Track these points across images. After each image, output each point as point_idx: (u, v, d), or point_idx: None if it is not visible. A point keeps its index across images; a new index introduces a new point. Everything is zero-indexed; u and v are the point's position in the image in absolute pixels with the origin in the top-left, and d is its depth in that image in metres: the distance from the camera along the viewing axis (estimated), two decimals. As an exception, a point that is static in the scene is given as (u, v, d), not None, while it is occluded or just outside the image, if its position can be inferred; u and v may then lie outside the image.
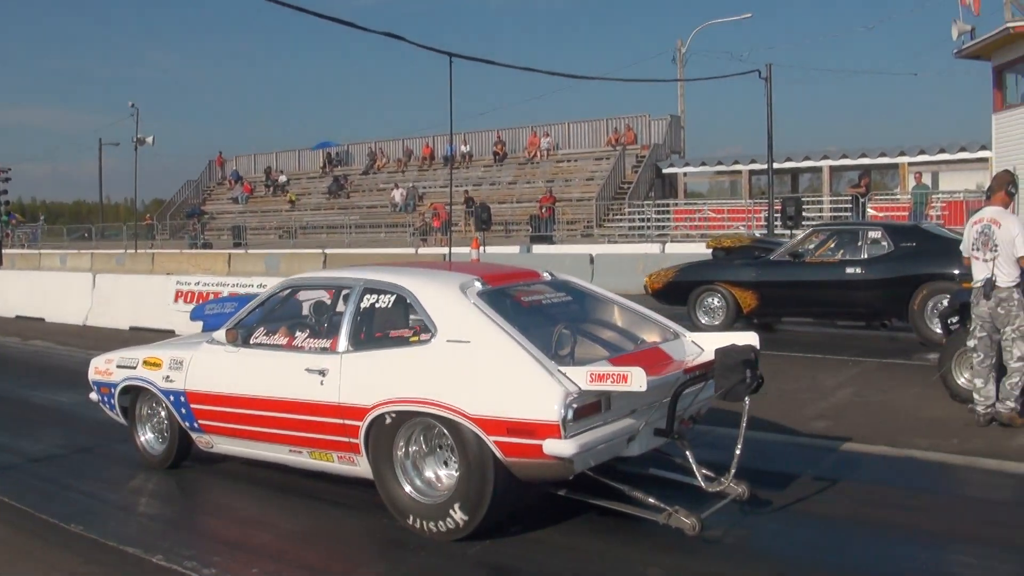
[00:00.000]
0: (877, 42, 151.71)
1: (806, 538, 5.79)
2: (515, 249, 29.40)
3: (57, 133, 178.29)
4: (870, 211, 28.26)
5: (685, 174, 39.64)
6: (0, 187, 31.35)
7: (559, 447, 5.14)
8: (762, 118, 25.99)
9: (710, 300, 14.22)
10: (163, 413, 7.54)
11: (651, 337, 6.69)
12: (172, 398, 7.28)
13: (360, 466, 6.16)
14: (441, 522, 5.65)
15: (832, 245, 13.70)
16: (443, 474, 5.89)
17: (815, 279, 13.34)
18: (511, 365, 5.49)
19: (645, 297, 14.86)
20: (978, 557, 5.31)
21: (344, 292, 6.65)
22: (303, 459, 6.57)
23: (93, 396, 8.19)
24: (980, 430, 7.95)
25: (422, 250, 31.40)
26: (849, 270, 13.01)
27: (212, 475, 7.47)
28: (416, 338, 6.02)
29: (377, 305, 6.33)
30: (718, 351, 5.79)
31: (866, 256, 13.09)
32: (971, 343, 8.16)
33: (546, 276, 7.05)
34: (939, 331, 11.56)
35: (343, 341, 6.25)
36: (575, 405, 5.20)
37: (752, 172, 37.07)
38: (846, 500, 6.42)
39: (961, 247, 8.38)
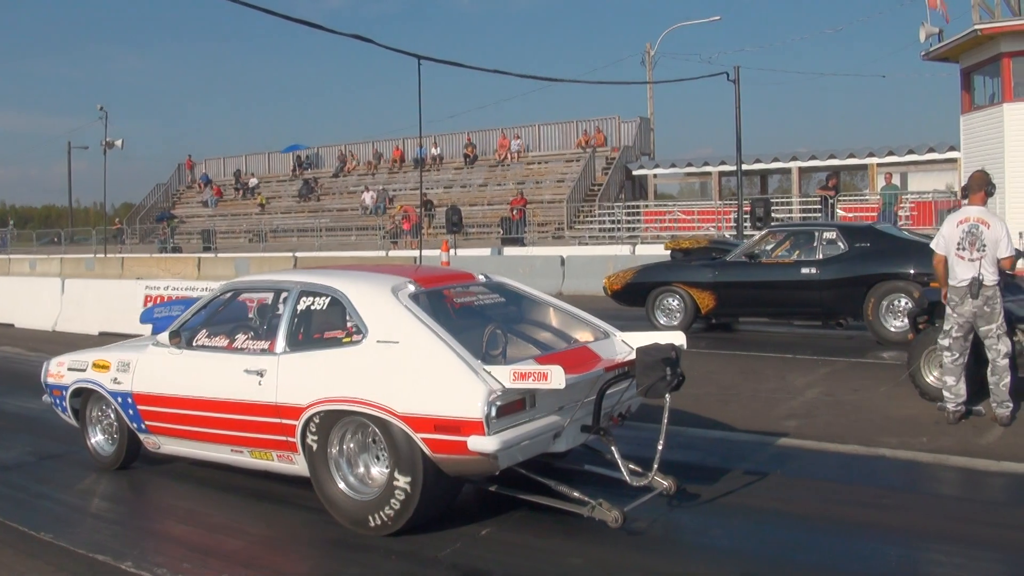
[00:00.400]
0: (845, 44, 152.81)
1: (773, 536, 5.80)
2: (486, 251, 29.39)
3: (25, 136, 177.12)
4: (839, 212, 28.43)
5: (655, 176, 39.77)
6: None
7: (483, 443, 5.32)
8: (731, 120, 26.13)
9: (668, 301, 14.43)
10: (112, 415, 7.68)
11: (582, 336, 6.92)
12: (120, 400, 7.43)
13: (298, 464, 6.31)
14: (382, 511, 5.79)
15: (788, 246, 13.94)
16: (376, 471, 6.02)
17: (771, 279, 13.54)
18: (437, 364, 5.65)
19: (606, 299, 15.09)
20: (947, 554, 5.35)
21: (283, 295, 6.75)
22: (245, 458, 6.71)
23: (46, 399, 8.31)
24: (949, 428, 8.02)
25: (393, 252, 31.37)
26: (804, 270, 13.20)
27: (182, 481, 7.43)
28: (349, 339, 6.21)
29: (313, 307, 6.51)
30: (639, 350, 5.98)
31: (821, 256, 13.31)
32: (945, 342, 8.18)
33: (481, 278, 7.27)
34: (893, 329, 12.24)
35: (280, 342, 6.42)
36: (498, 403, 5.39)
37: (722, 173, 37.24)
38: (812, 498, 6.47)
39: (934, 245, 8.37)
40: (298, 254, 31.61)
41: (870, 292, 12.64)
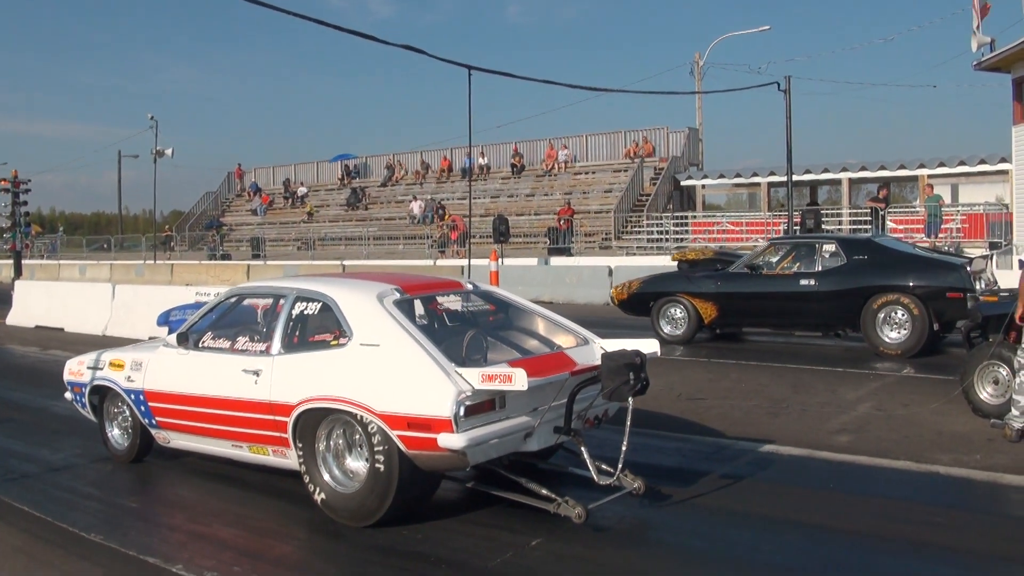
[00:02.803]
0: (896, 54, 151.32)
1: (822, 554, 5.71)
2: (533, 261, 29.38)
3: (76, 145, 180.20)
4: (890, 223, 28.11)
5: (703, 186, 39.51)
6: (20, 198, 31.41)
7: (451, 440, 5.67)
8: (781, 130, 25.94)
9: (672, 311, 14.95)
10: (127, 411, 8.18)
11: (564, 342, 7.21)
12: (133, 397, 7.96)
13: (290, 459, 6.71)
14: (363, 503, 6.19)
15: (790, 258, 14.21)
16: (358, 465, 6.38)
17: (771, 291, 13.95)
18: (412, 366, 6.02)
19: (613, 308, 15.48)
20: None
21: (280, 300, 7.13)
22: (244, 453, 7.19)
23: (68, 395, 8.88)
24: (1004, 445, 7.86)
25: (440, 262, 31.43)
26: (803, 282, 13.58)
27: (230, 485, 7.52)
28: (336, 342, 6.61)
29: (306, 312, 6.96)
30: (604, 355, 6.26)
31: (820, 268, 13.63)
32: None
33: (469, 287, 7.77)
34: (888, 340, 12.70)
35: (276, 344, 6.86)
36: (467, 403, 5.73)
37: (771, 184, 36.90)
38: (864, 515, 6.33)
39: None
40: (346, 262, 31.76)
41: (867, 303, 12.90)
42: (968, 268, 12.45)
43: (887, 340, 12.75)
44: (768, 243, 15.36)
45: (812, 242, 14.39)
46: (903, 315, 12.63)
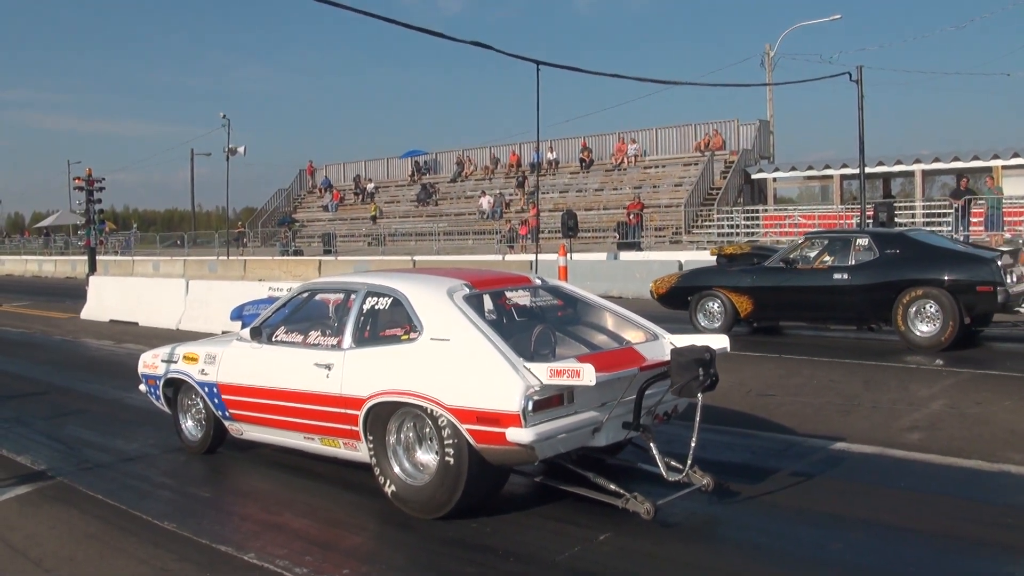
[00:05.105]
0: (968, 42, 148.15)
1: (894, 552, 5.64)
2: (602, 256, 29.29)
3: (150, 144, 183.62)
4: (971, 218, 27.45)
5: (775, 179, 38.98)
6: (94, 196, 32.02)
7: (520, 435, 5.71)
8: (853, 122, 25.71)
9: (710, 305, 15.22)
10: (200, 403, 8.31)
11: (633, 338, 7.23)
12: (206, 389, 8.12)
13: (361, 452, 6.80)
14: (432, 496, 6.27)
15: (824, 252, 14.36)
16: (428, 458, 6.47)
17: (805, 285, 14.08)
18: (481, 361, 6.07)
19: (653, 302, 16.01)
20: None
21: (352, 295, 7.21)
22: (316, 445, 7.29)
23: (142, 387, 9.05)
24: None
25: (509, 257, 31.47)
26: (836, 276, 13.74)
27: (303, 477, 7.62)
28: (407, 336, 6.67)
29: (377, 307, 7.04)
30: (673, 351, 6.27)
31: (853, 263, 13.72)
32: None
33: (537, 282, 7.76)
34: (919, 334, 12.81)
35: (347, 339, 6.95)
36: (535, 397, 5.75)
37: (843, 177, 36.37)
38: (932, 514, 6.26)
39: None
40: (416, 257, 31.95)
41: (899, 297, 12.98)
42: (999, 262, 12.49)
43: (918, 333, 12.88)
44: (803, 238, 15.51)
45: (846, 236, 14.57)
46: (934, 308, 12.71)
